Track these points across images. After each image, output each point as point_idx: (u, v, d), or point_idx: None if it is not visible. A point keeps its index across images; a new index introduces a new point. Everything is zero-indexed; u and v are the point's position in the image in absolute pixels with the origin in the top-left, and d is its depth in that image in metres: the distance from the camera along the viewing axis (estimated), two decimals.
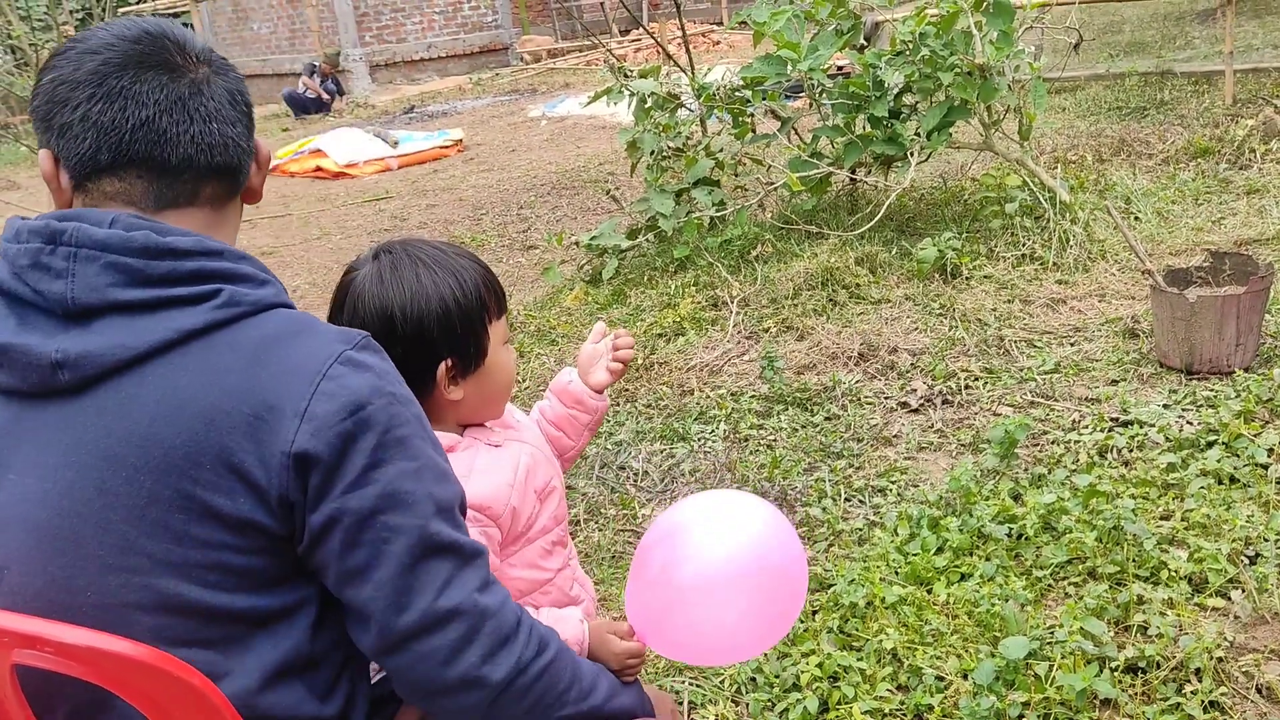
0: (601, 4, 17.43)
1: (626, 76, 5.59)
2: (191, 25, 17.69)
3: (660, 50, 7.06)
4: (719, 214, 5.15)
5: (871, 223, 4.83)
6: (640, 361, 4.14)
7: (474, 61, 16.98)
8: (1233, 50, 7.24)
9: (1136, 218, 5.07)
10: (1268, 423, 3.08)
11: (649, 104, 5.41)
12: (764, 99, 5.34)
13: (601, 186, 7.15)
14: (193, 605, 1.10)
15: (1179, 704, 2.11)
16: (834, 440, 3.41)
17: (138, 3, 15.10)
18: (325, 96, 14.19)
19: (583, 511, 3.18)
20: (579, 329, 4.61)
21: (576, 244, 5.61)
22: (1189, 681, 2.17)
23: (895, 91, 5.04)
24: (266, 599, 1.13)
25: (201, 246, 1.14)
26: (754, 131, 5.46)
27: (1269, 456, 2.90)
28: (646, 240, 5.32)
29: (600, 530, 3.09)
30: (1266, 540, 2.56)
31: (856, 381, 3.78)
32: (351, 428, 1.11)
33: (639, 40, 15.13)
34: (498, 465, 1.49)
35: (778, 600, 1.44)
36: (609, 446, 3.56)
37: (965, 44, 4.77)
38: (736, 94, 5.39)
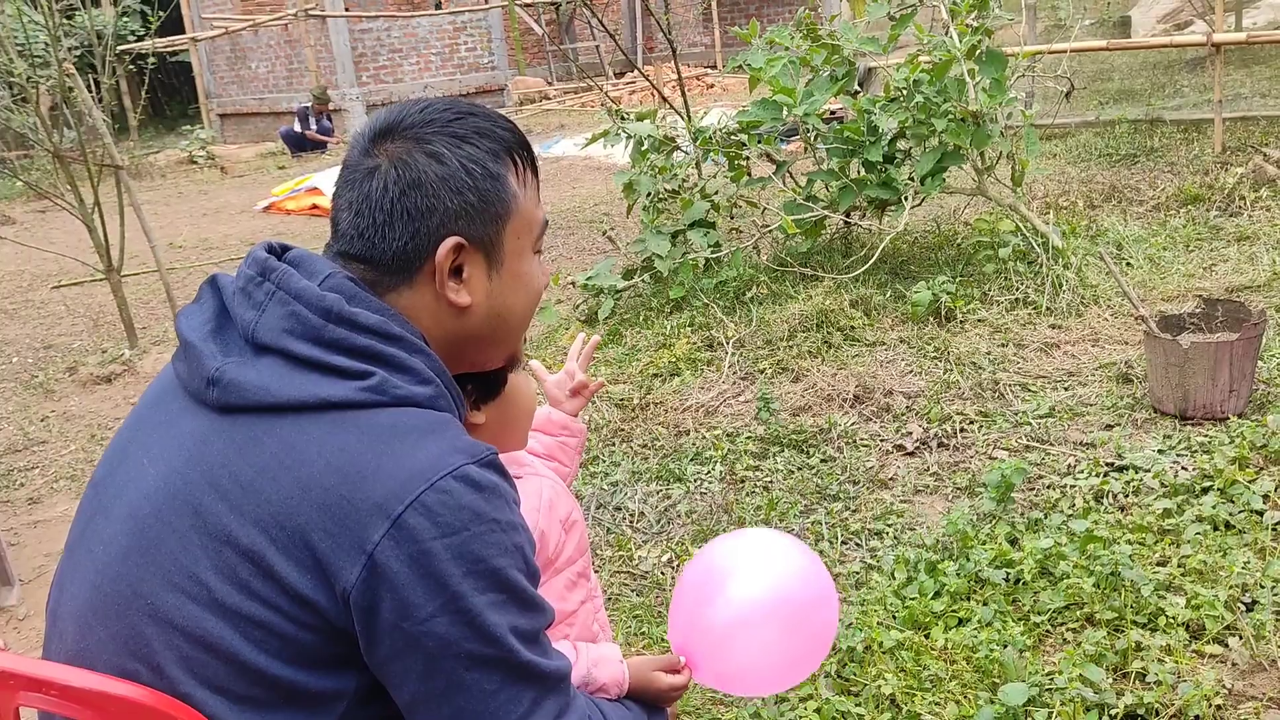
0: (597, 47, 17.62)
1: (623, 119, 5.64)
2: (190, 64, 17.84)
3: (656, 93, 7.12)
4: (714, 255, 5.18)
5: (866, 266, 4.86)
6: (636, 402, 4.14)
7: (470, 102, 17.10)
8: (1222, 99, 7.35)
9: (1129, 264, 5.11)
10: (1262, 469, 3.09)
11: (645, 146, 5.46)
12: (760, 142, 5.40)
13: (597, 227, 7.19)
14: (231, 654, 1.09)
15: None
16: (830, 483, 3.41)
17: (137, 40, 15.20)
18: (321, 137, 14.28)
19: (590, 559, 3.17)
20: None
21: (573, 284, 5.63)
22: None
23: (889, 137, 5.10)
24: (305, 676, 1.10)
25: (383, 328, 1.15)
26: (749, 174, 5.51)
27: (1264, 503, 2.91)
28: (642, 281, 5.34)
29: (596, 572, 3.07)
30: (1263, 587, 2.56)
31: (852, 424, 3.78)
32: (440, 550, 1.06)
33: (634, 83, 15.28)
34: (523, 493, 1.50)
35: (816, 631, 1.48)
36: (605, 487, 3.55)
37: (959, 91, 4.84)
38: (732, 137, 5.44)
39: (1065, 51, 6.52)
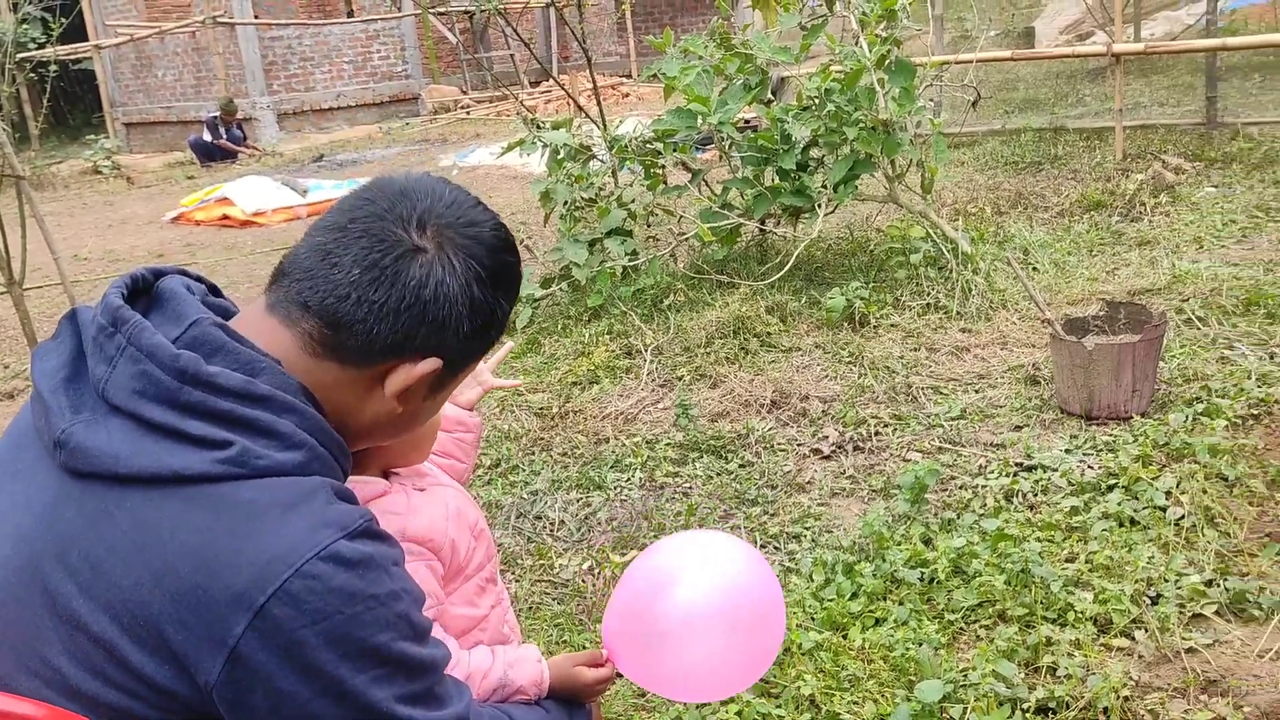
0: (512, 55, 17.55)
1: (539, 128, 5.62)
2: (94, 72, 17.32)
3: (571, 102, 7.12)
4: (632, 263, 5.19)
5: (781, 272, 4.91)
6: (556, 410, 4.12)
7: (384, 110, 16.92)
8: (1122, 107, 7.60)
9: (1035, 268, 5.24)
10: (1165, 466, 3.19)
11: (562, 155, 5.45)
12: (675, 151, 5.42)
13: (514, 235, 7.14)
14: (102, 706, 1.03)
15: None
16: (749, 487, 3.43)
17: (38, 48, 14.70)
18: (233, 146, 13.97)
19: (498, 563, 3.13)
20: None
21: None
22: None
23: (802, 145, 5.16)
24: None
25: (247, 389, 1.03)
26: (665, 183, 5.53)
27: (1167, 499, 3.00)
28: (560, 289, 5.32)
29: (517, 581, 3.04)
30: (1167, 581, 2.64)
31: (769, 429, 3.81)
32: (311, 638, 0.99)
33: (549, 91, 15.25)
34: (430, 503, 1.48)
35: (763, 638, 1.47)
36: (524, 496, 3.52)
37: (869, 100, 4.92)
38: (648, 146, 5.46)
39: (972, 61, 6.68)
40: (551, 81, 13.09)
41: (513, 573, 3.10)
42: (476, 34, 17.97)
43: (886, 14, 5.00)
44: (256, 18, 16.17)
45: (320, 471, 1.07)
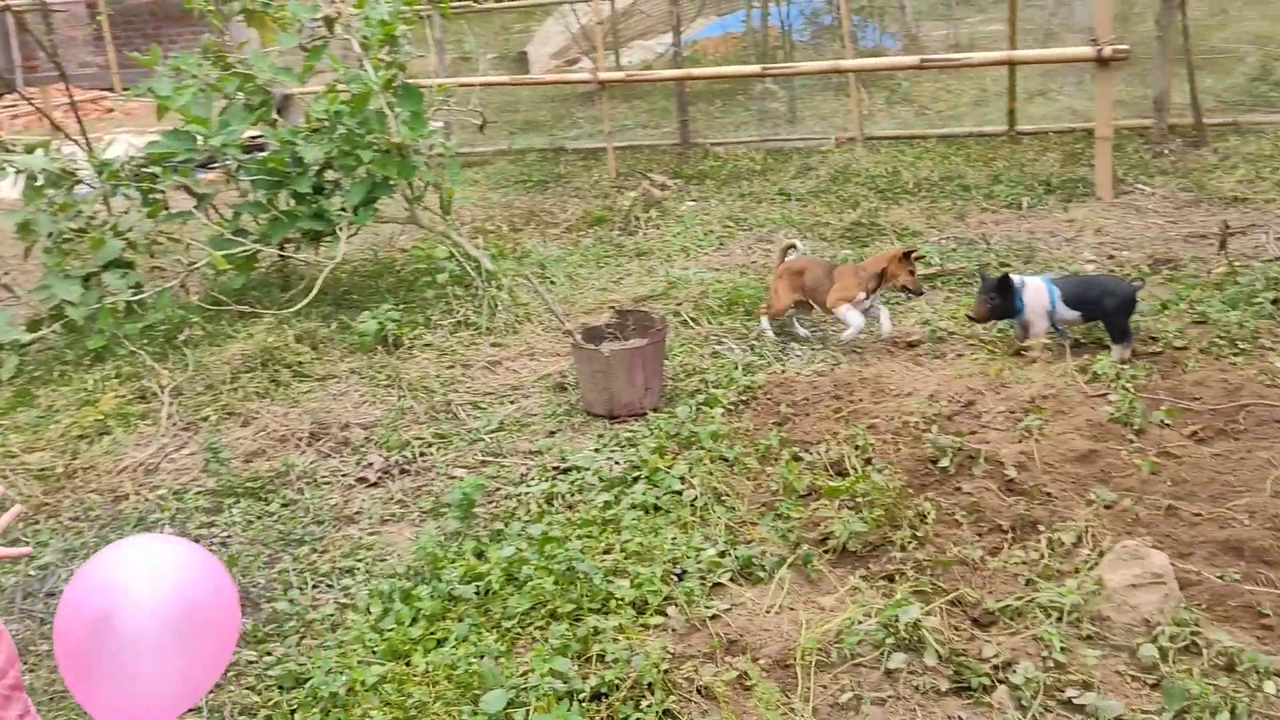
0: None
1: (8, 150, 4.98)
2: None
3: (44, 118, 6.37)
4: (136, 298, 4.77)
5: (307, 299, 4.78)
6: (60, 470, 3.69)
7: None
8: (611, 130, 8.29)
9: (552, 282, 5.58)
10: (678, 455, 3.56)
11: (40, 181, 4.87)
12: (175, 174, 5.07)
13: None
14: None
15: (638, 719, 2.35)
16: (294, 527, 3.31)
17: None
18: None
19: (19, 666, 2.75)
20: None
21: None
22: (644, 697, 2.42)
23: (317, 168, 5.06)
24: None
25: None
26: (167, 209, 5.16)
27: (682, 484, 3.35)
28: (53, 332, 4.76)
29: (33, 670, 2.69)
30: (689, 558, 2.95)
31: (311, 462, 3.71)
32: None
33: (14, 106, 13.47)
34: None
35: (208, 645, 1.43)
36: (32, 572, 3.12)
37: (380, 124, 4.95)
38: (143, 170, 5.05)
39: (476, 85, 6.94)
40: (16, 95, 11.58)
41: (26, 661, 2.73)
42: None
43: (388, 39, 5.05)
44: None
45: None
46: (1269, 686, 2.23)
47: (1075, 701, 2.25)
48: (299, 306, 4.81)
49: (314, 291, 4.82)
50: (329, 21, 5.01)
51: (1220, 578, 2.59)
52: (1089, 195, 6.09)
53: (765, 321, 4.65)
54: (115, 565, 1.44)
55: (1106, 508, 2.94)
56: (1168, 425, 3.37)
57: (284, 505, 3.46)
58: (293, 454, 3.75)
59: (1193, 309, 4.24)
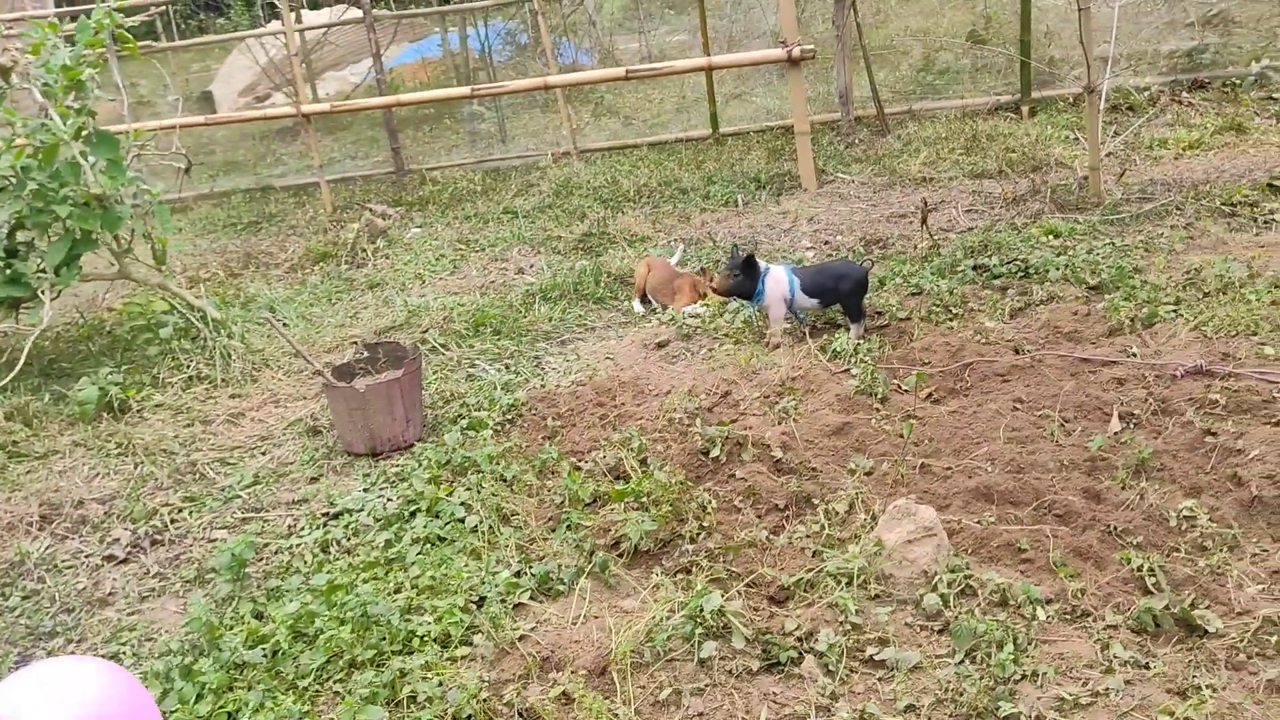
0: None
1: None
2: None
3: None
4: None
5: (14, 373, 4.32)
6: None
7: None
8: (322, 163, 8.03)
9: (285, 323, 5.32)
10: (454, 482, 3.50)
11: None
12: None
13: None
14: None
15: None
16: (41, 619, 2.98)
17: None
18: None
19: None
20: None
21: None
22: None
23: (7, 229, 4.59)
24: None
25: None
26: None
27: (465, 511, 3.29)
28: None
29: None
30: (485, 584, 2.91)
31: (47, 547, 3.35)
32: None
33: None
34: None
35: None
36: None
37: (75, 175, 4.55)
38: None
39: (174, 128, 6.52)
40: None
41: None
42: None
43: (74, 84, 4.66)
44: None
45: None
46: (1041, 614, 2.48)
47: (877, 658, 2.41)
48: (4, 382, 4.33)
49: (20, 363, 4.35)
50: (4, 71, 4.56)
51: (978, 523, 2.85)
52: (796, 188, 6.52)
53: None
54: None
55: (868, 474, 3.17)
56: (923, 390, 3.66)
57: (24, 598, 3.11)
58: (24, 542, 3.38)
59: (907, 282, 4.64)
